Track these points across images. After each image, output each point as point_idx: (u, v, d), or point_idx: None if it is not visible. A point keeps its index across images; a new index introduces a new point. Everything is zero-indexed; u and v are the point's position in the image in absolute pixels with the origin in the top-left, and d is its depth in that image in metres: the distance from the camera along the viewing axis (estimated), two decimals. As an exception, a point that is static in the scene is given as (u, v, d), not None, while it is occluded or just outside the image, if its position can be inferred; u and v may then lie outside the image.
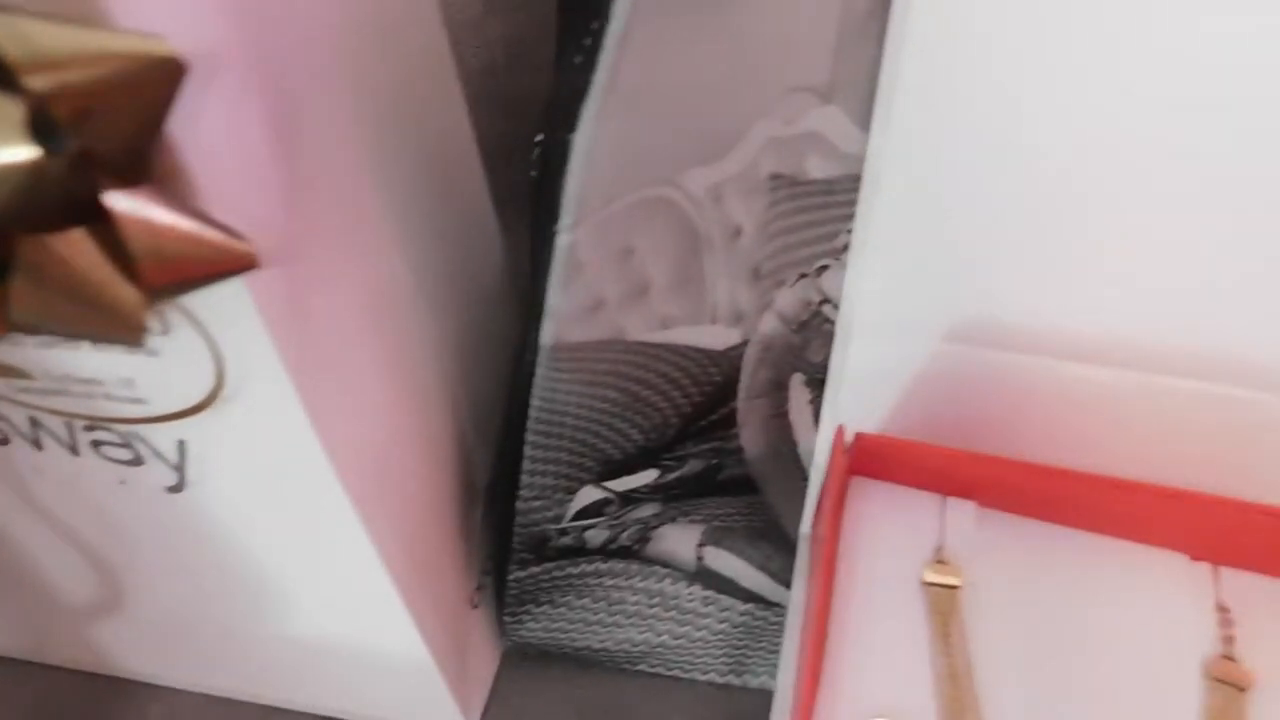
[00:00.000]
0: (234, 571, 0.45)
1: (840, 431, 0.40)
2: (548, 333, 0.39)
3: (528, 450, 0.42)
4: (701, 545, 0.49)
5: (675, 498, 0.48)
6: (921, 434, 0.46)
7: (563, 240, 0.36)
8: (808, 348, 0.47)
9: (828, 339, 0.46)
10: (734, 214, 0.42)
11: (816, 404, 0.47)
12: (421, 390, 0.41)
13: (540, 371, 0.39)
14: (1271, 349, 0.43)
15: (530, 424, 0.41)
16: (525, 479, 0.43)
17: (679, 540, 0.49)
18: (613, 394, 0.41)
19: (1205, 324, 0.42)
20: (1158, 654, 0.40)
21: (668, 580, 0.49)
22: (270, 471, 0.37)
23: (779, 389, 0.47)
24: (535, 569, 0.48)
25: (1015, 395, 0.45)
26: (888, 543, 0.41)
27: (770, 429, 0.47)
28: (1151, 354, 0.44)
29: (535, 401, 0.40)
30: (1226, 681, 0.38)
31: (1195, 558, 0.42)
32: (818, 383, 0.47)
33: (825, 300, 0.45)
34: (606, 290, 0.38)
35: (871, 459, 0.42)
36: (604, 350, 0.40)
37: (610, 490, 0.46)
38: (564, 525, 0.46)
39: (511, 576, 0.48)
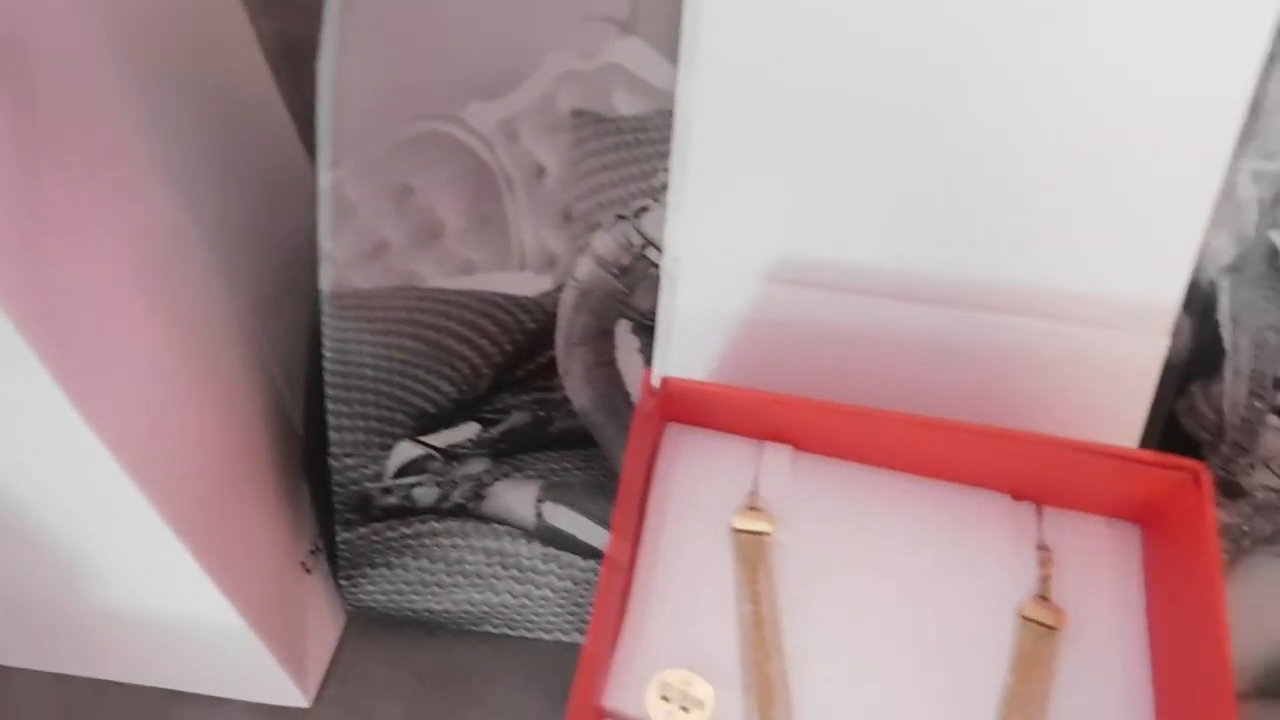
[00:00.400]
0: (43, 547, 0.43)
1: (647, 376, 0.39)
2: (326, 278, 0.37)
3: (330, 405, 0.40)
4: (540, 501, 0.48)
5: (505, 453, 0.46)
6: (754, 378, 0.45)
7: (324, 179, 0.34)
8: (633, 293, 0.45)
9: (655, 284, 0.44)
10: (534, 152, 0.40)
11: (647, 352, 0.46)
12: (212, 346, 0.39)
13: (326, 320, 0.38)
14: (1091, 285, 0.42)
15: (327, 376, 0.39)
16: (333, 435, 0.42)
17: (515, 497, 0.48)
18: (411, 343, 0.40)
19: (1020, 260, 0.41)
20: (974, 596, 0.39)
21: (506, 538, 0.48)
22: (35, 443, 0.35)
23: (603, 336, 0.45)
24: (363, 529, 0.46)
25: (845, 336, 0.44)
26: (700, 490, 0.40)
27: (596, 378, 0.45)
28: (977, 291, 0.43)
29: (326, 352, 0.39)
30: (1038, 621, 0.38)
31: (1018, 498, 0.42)
32: (646, 329, 0.46)
33: (648, 244, 0.44)
34: (387, 233, 0.36)
35: (687, 405, 0.41)
36: (396, 297, 0.39)
37: (429, 446, 0.44)
38: (386, 484, 0.45)
39: (340, 538, 0.46)
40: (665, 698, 0.35)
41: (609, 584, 0.35)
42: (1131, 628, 0.39)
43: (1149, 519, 0.41)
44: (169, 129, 0.37)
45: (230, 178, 0.40)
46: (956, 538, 0.40)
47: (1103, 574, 0.40)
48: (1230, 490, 0.45)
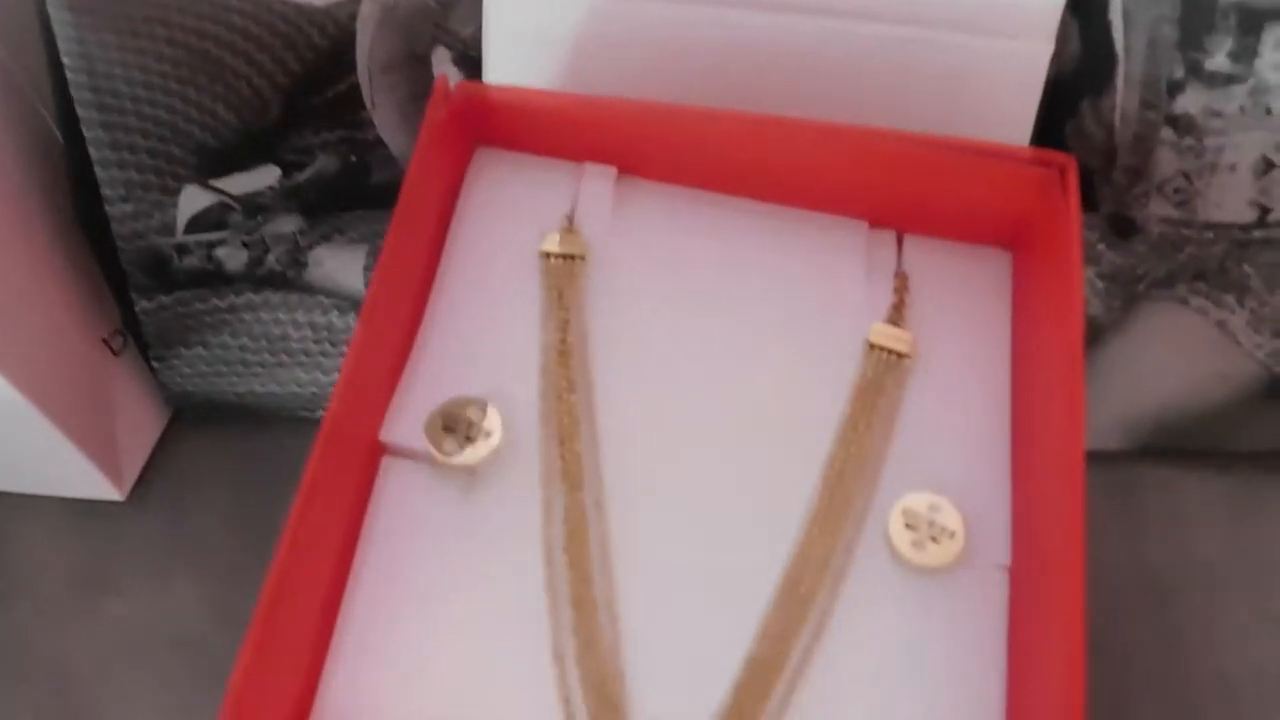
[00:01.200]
0: None
1: (442, 81, 0.33)
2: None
3: (86, 131, 0.35)
4: (369, 270, 0.43)
5: (320, 207, 0.41)
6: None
7: None
8: (450, 13, 0.40)
9: (477, 7, 0.39)
10: None
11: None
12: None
13: (57, 25, 0.32)
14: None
15: (73, 93, 0.34)
16: (100, 173, 0.37)
17: (341, 264, 0.43)
18: (170, 50, 0.34)
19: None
20: (817, 327, 0.35)
21: (335, 312, 0.44)
22: None
23: (417, 63, 0.40)
24: (165, 298, 0.42)
25: (696, 52, 0.38)
26: (509, 216, 0.35)
27: (412, 114, 0.40)
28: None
29: (65, 60, 0.33)
30: (885, 348, 0.34)
31: (876, 225, 0.37)
32: (471, 62, 0.41)
33: (463, -47, 0.38)
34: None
35: (495, 120, 0.35)
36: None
37: (224, 192, 0.39)
38: (180, 240, 0.40)
39: (139, 308, 0.42)
40: (449, 427, 0.31)
41: (379, 301, 0.30)
42: (993, 361, 0.35)
43: (1019, 243, 0.36)
44: None
45: None
46: (802, 268, 0.36)
47: (965, 303, 0.36)
48: (1122, 228, 0.40)
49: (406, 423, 0.31)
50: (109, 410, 0.44)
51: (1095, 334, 0.43)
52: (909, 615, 0.30)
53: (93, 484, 0.44)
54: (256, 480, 0.46)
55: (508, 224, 0.35)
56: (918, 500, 0.31)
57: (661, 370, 0.33)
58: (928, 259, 0.36)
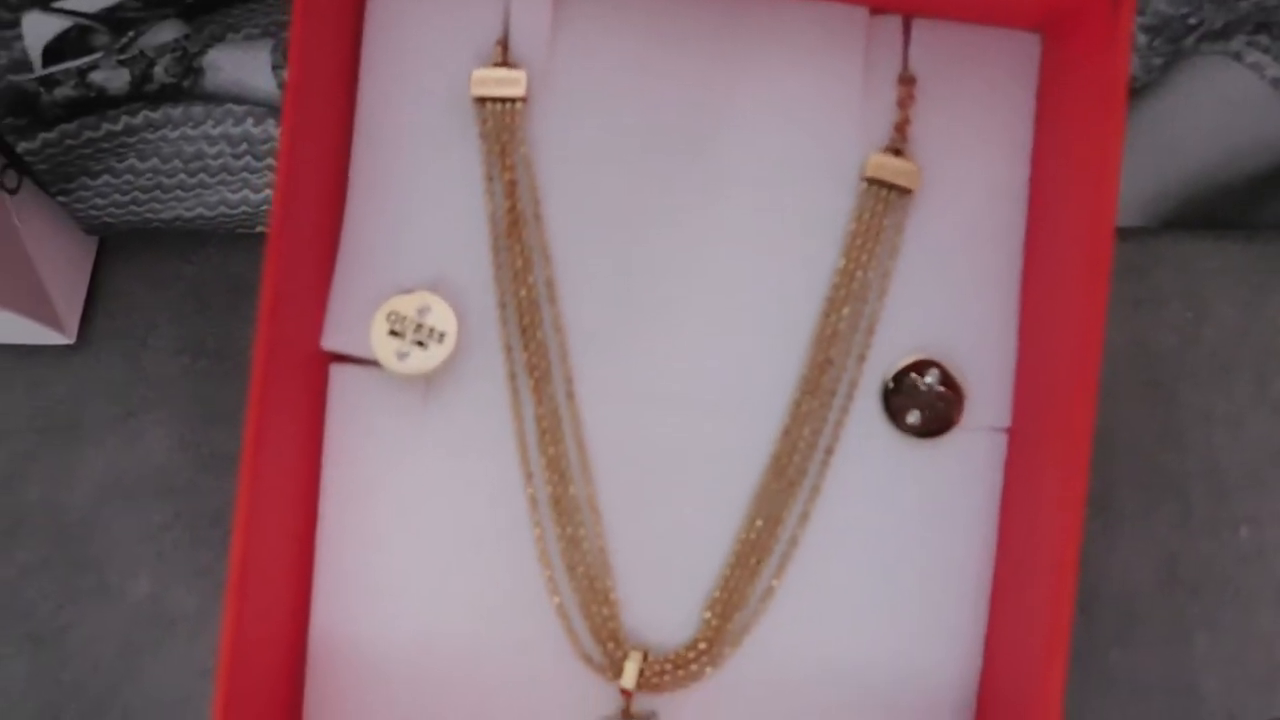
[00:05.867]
0: None
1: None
2: None
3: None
4: (277, 67, 0.37)
5: (197, 8, 0.34)
6: None
7: None
8: None
9: None
10: None
11: None
12: None
13: None
14: None
15: None
16: (-85, 17, 0.30)
17: (241, 65, 0.36)
18: None
19: None
20: (806, 154, 0.30)
21: (250, 120, 0.38)
22: None
23: None
24: (49, 134, 0.36)
25: None
26: (429, 52, 0.29)
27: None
28: None
29: None
30: (883, 181, 0.29)
31: (878, 9, 0.30)
32: None
33: None
34: None
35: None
36: None
37: (73, 12, 0.32)
38: (42, 73, 0.33)
39: (21, 150, 0.36)
40: (395, 332, 0.28)
41: (291, 186, 0.26)
42: (1011, 186, 0.30)
43: (1052, 20, 0.30)
44: None
45: None
46: (785, 78, 0.30)
47: (984, 110, 0.30)
48: (1176, -30, 0.33)
49: (348, 327, 0.28)
50: (21, 253, 0.40)
51: (1129, 96, 0.37)
52: (901, 488, 0.29)
53: (32, 329, 0.41)
54: (204, 303, 0.42)
55: (426, 62, 0.28)
56: (914, 362, 0.29)
57: (627, 232, 0.29)
58: (941, 50, 0.30)
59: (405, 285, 0.28)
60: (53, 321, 0.41)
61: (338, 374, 0.28)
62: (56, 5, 0.31)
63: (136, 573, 0.40)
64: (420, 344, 0.28)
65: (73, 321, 0.42)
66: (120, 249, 0.44)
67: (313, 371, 0.28)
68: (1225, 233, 0.40)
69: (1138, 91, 0.37)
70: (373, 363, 0.28)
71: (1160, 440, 0.39)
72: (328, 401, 0.28)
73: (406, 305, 0.28)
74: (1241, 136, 0.36)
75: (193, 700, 0.38)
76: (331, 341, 0.28)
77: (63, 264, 0.42)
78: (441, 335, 0.28)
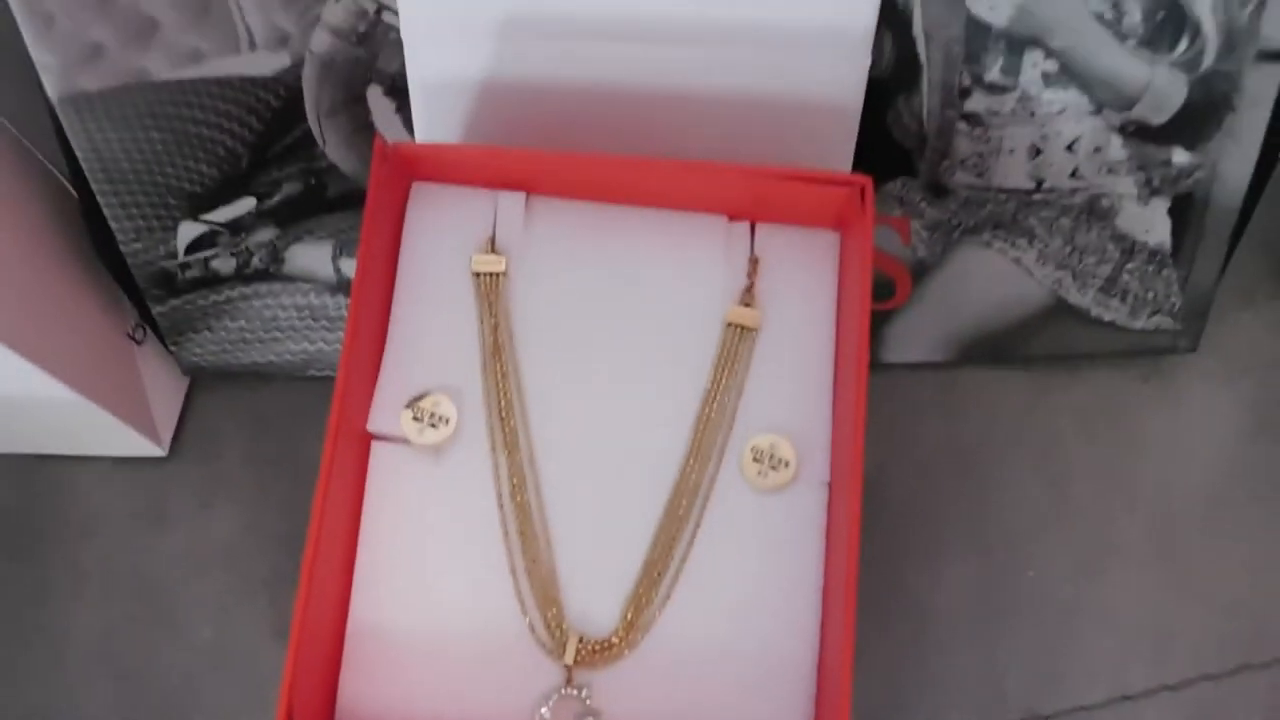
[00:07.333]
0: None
1: (378, 142, 0.42)
2: (50, 86, 0.39)
3: (100, 200, 0.44)
4: (336, 258, 0.53)
5: (291, 219, 0.50)
6: (503, 129, 0.48)
7: (13, -5, 0.36)
8: (377, 59, 0.48)
9: (398, 47, 0.46)
10: (238, -69, 0.41)
11: (404, 112, 0.49)
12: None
13: (65, 125, 0.40)
14: (798, 11, 0.44)
15: (87, 174, 0.42)
16: (113, 225, 0.46)
17: (313, 256, 0.53)
18: (158, 134, 0.43)
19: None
20: (689, 308, 0.45)
21: (312, 294, 0.53)
22: None
23: (356, 103, 0.48)
24: (175, 301, 0.51)
25: (581, 83, 0.47)
26: (444, 239, 0.45)
27: (358, 143, 0.48)
28: (695, 26, 0.45)
29: (78, 152, 0.42)
30: (738, 324, 0.44)
31: (734, 218, 0.47)
32: (400, 91, 0.49)
33: (383, 7, 0.46)
34: (97, 35, 0.38)
35: (426, 164, 0.44)
36: (129, 94, 0.41)
37: (211, 222, 0.48)
38: (182, 260, 0.49)
39: (155, 312, 0.51)
40: (417, 418, 0.42)
41: (357, 328, 0.41)
42: (822, 325, 0.46)
43: (843, 226, 0.46)
44: None
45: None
46: (676, 258, 0.46)
47: (802, 278, 0.46)
48: (938, 191, 0.50)
49: (385, 416, 0.42)
50: (140, 387, 0.55)
51: (923, 271, 0.53)
52: (757, 524, 0.42)
53: (139, 444, 0.55)
54: (268, 426, 0.57)
55: (443, 246, 0.44)
56: (762, 440, 0.43)
57: (571, 354, 0.44)
58: (775, 240, 0.46)
59: (424, 388, 0.42)
60: (153, 437, 0.55)
61: (377, 447, 0.42)
62: (202, 218, 0.47)
63: (203, 624, 0.52)
64: (433, 425, 0.42)
65: (166, 437, 0.56)
66: (206, 385, 0.58)
67: (361, 445, 0.42)
68: (1005, 363, 0.55)
69: (928, 268, 0.53)
70: (401, 439, 0.42)
71: (969, 505, 0.52)
72: (370, 465, 0.42)
73: (425, 401, 0.42)
74: (999, 296, 0.52)
75: (250, 715, 0.49)
76: (374, 425, 0.42)
77: (164, 395, 0.56)
78: (447, 420, 0.42)
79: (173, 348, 0.54)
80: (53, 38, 0.39)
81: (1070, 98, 0.46)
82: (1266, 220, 0.58)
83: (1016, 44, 0.44)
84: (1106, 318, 0.53)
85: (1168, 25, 0.43)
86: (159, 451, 0.55)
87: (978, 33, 0.44)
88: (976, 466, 0.54)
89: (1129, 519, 0.53)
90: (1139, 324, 0.53)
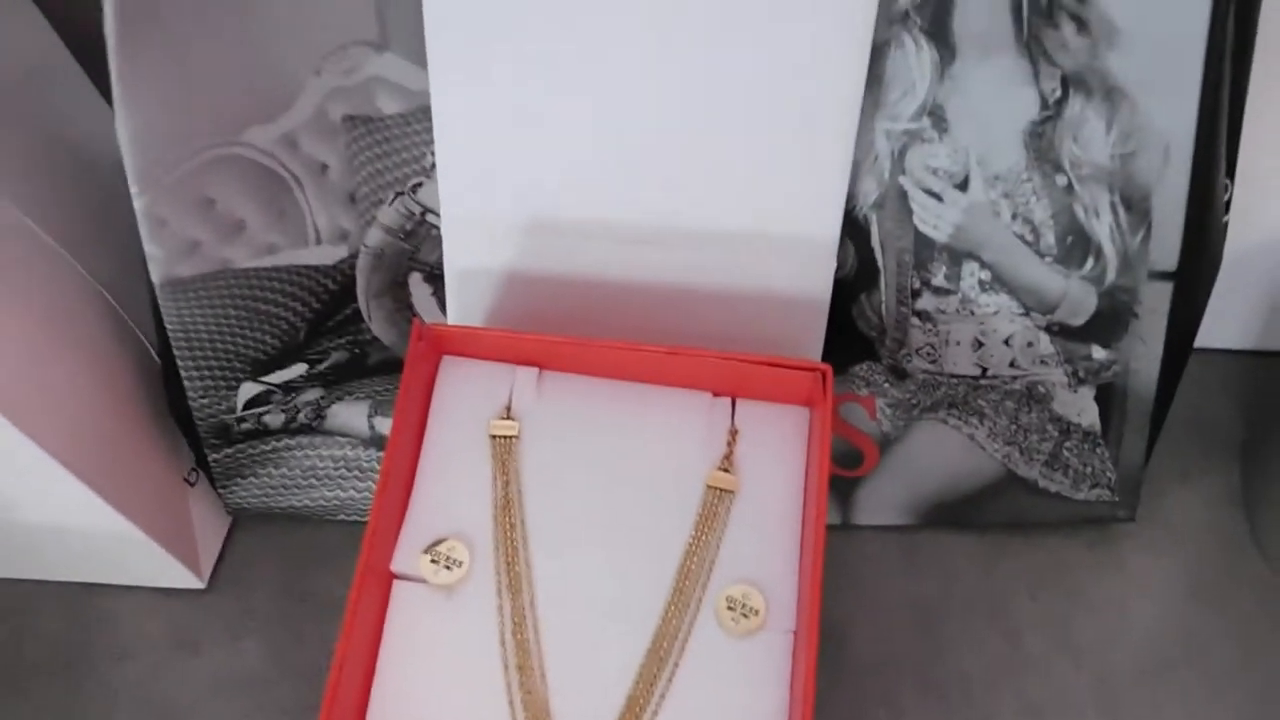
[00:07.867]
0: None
1: (416, 324, 0.50)
2: (154, 272, 0.48)
3: (180, 363, 0.52)
4: (371, 416, 0.60)
5: (335, 382, 0.58)
6: (522, 314, 0.56)
7: (137, 204, 0.44)
8: (420, 251, 0.56)
9: (438, 242, 0.55)
10: (315, 155, 0.50)
11: (439, 295, 0.57)
12: (78, 317, 0.50)
13: (162, 303, 0.48)
14: (771, 225, 0.53)
15: (172, 342, 0.51)
16: (187, 384, 0.53)
17: (351, 414, 0.60)
18: (235, 311, 0.51)
19: (713, 210, 0.52)
20: (675, 472, 0.51)
21: (348, 447, 0.60)
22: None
23: (399, 287, 0.56)
24: (229, 450, 0.59)
25: (590, 276, 0.55)
26: (466, 406, 0.52)
27: (399, 320, 0.57)
28: (687, 235, 0.54)
29: (168, 325, 0.50)
30: (718, 487, 0.51)
31: (717, 394, 0.54)
32: (436, 278, 0.57)
33: (427, 210, 0.55)
34: (197, 234, 0.47)
35: (454, 343, 0.52)
36: (216, 279, 0.50)
37: (268, 383, 0.56)
38: (239, 414, 0.57)
39: (211, 459, 0.58)
40: (434, 560, 0.48)
41: (388, 481, 0.47)
42: (791, 490, 0.52)
43: (812, 404, 0.53)
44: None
45: (59, 180, 0.50)
46: (666, 429, 0.52)
47: (776, 448, 0.52)
48: (899, 374, 0.58)
49: (406, 559, 0.48)
50: (189, 525, 0.61)
51: (887, 444, 0.60)
52: (730, 666, 0.47)
53: (181, 576, 0.61)
54: (300, 566, 0.63)
55: (466, 412, 0.52)
56: (736, 590, 0.49)
57: (572, 509, 0.50)
58: (753, 413, 0.53)
59: (442, 535, 0.49)
60: (195, 570, 0.61)
61: (399, 586, 0.48)
62: (261, 379, 0.55)
63: (228, 746, 0.57)
64: (448, 568, 0.48)
65: (207, 571, 0.62)
66: (245, 525, 0.64)
67: (383, 584, 0.48)
68: (963, 527, 0.61)
69: (892, 441, 0.59)
70: (420, 579, 0.48)
71: (928, 655, 0.57)
72: (390, 601, 0.48)
73: (442, 546, 0.48)
74: (956, 468, 0.59)
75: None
76: (398, 566, 0.48)
77: (208, 533, 0.63)
78: (461, 563, 0.48)
79: (221, 490, 0.61)
80: (163, 235, 0.47)
81: (1003, 301, 0.54)
82: (1197, 403, 0.65)
83: (956, 256, 0.52)
84: (1052, 489, 0.60)
85: (1076, 247, 0.52)
86: (199, 584, 0.61)
87: (924, 245, 0.53)
88: (936, 620, 0.59)
89: (1075, 674, 0.57)
90: (1081, 495, 0.59)
